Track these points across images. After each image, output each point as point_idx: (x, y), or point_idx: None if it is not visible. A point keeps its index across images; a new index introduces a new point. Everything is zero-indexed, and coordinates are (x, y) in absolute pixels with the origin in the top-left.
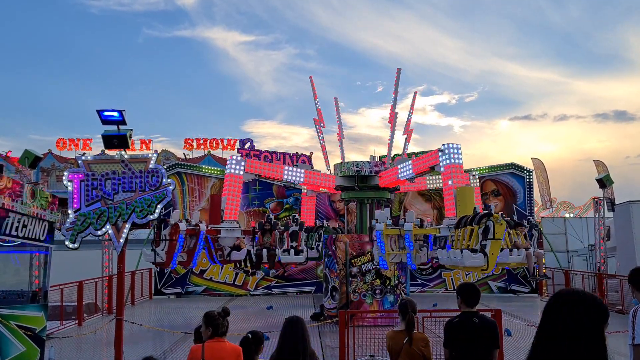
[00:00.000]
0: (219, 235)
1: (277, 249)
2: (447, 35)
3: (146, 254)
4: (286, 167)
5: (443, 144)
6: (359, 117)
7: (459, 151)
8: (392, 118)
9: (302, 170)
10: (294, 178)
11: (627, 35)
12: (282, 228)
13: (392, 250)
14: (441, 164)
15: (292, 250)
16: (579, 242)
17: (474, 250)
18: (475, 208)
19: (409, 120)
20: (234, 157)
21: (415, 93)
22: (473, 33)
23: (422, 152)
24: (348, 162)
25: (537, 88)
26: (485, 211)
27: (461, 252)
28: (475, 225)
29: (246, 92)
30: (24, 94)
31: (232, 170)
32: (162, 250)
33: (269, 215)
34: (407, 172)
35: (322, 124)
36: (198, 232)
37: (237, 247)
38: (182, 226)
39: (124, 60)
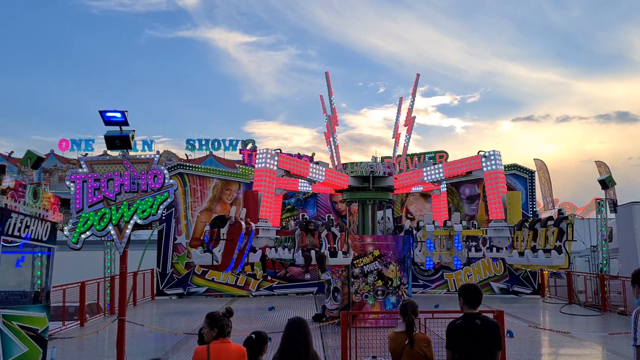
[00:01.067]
0: (257, 236)
1: (325, 250)
2: (447, 35)
3: (198, 255)
4: (311, 165)
5: (482, 151)
6: (361, 117)
7: (500, 158)
8: (409, 122)
9: (323, 169)
10: (316, 176)
11: (629, 36)
12: (324, 228)
13: (437, 251)
14: (484, 169)
15: (339, 252)
16: (580, 243)
17: (557, 251)
18: (536, 212)
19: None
20: (266, 151)
21: (401, 98)
22: (473, 33)
23: (424, 153)
24: (362, 162)
25: (539, 89)
26: (561, 215)
27: (549, 252)
28: (555, 227)
29: (247, 92)
30: (24, 95)
31: (266, 165)
32: (219, 251)
33: (304, 215)
34: (436, 175)
35: (336, 122)
36: (250, 231)
37: (253, 249)
38: (244, 224)
39: (125, 61)
